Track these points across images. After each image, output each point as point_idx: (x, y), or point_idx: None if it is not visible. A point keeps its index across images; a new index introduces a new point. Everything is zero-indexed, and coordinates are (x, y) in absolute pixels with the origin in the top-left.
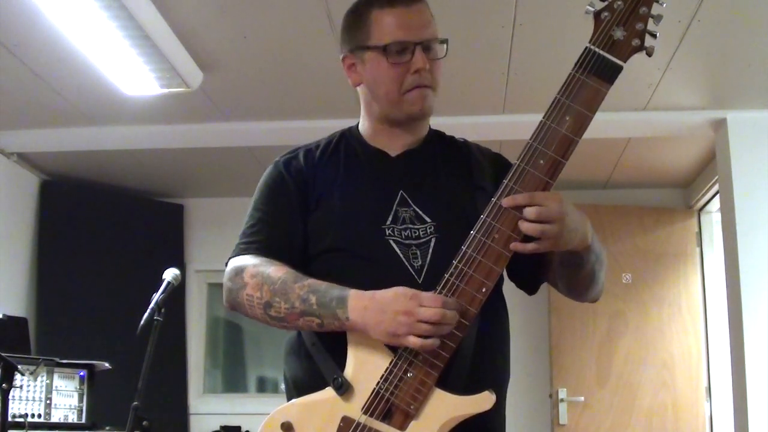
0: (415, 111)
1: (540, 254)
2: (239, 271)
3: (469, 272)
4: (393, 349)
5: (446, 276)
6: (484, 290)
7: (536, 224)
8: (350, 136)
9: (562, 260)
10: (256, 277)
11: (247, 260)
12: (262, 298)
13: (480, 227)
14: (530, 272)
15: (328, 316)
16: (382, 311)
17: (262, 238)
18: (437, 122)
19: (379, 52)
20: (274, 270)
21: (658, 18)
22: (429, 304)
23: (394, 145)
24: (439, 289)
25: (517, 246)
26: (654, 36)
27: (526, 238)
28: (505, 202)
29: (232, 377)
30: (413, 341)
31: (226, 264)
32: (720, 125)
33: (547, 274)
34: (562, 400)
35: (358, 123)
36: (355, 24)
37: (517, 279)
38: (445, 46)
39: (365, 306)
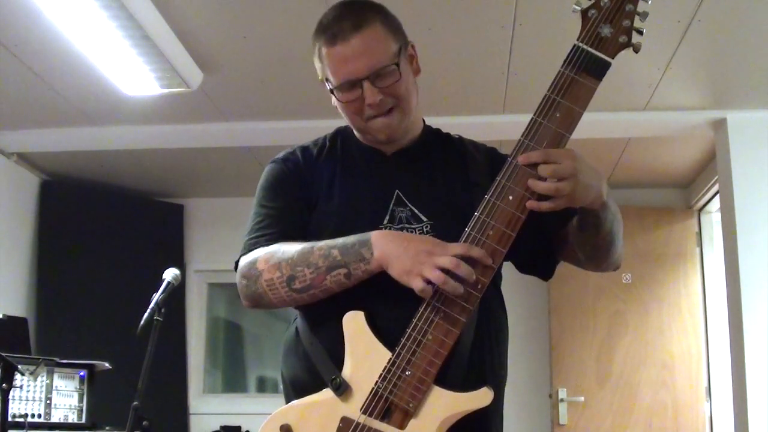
0: (381, 138)
1: (551, 233)
2: (251, 264)
3: None
4: (391, 347)
5: None
6: (479, 286)
7: (550, 183)
8: (346, 134)
9: (580, 223)
10: (271, 260)
11: (257, 252)
12: (283, 275)
13: (474, 224)
14: (543, 255)
15: (353, 262)
16: (407, 246)
17: (271, 231)
18: (437, 122)
19: (333, 92)
20: (287, 247)
21: (644, 15)
22: (455, 252)
23: (389, 145)
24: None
25: (532, 204)
26: (641, 33)
27: (538, 223)
28: (521, 159)
29: (232, 377)
30: (418, 283)
31: (236, 263)
32: (720, 125)
33: (563, 250)
34: (562, 400)
35: None
36: (316, 56)
37: (530, 266)
38: (395, 67)
39: (390, 239)
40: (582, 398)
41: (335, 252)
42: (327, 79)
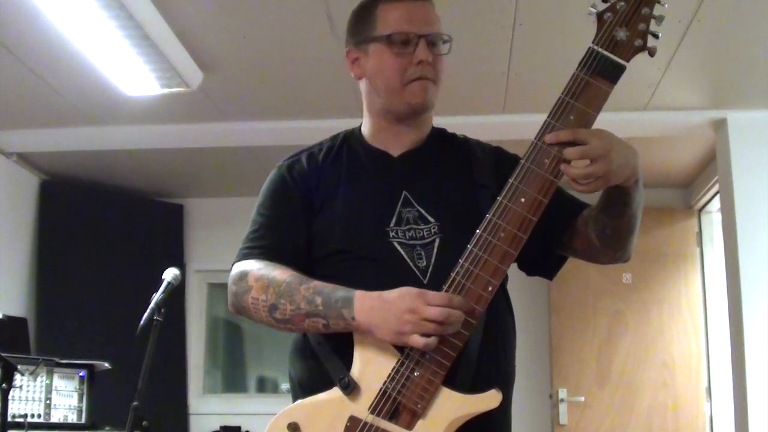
0: (416, 102)
1: (560, 230)
2: (243, 276)
3: (476, 271)
4: (400, 348)
5: (452, 275)
6: (490, 289)
7: (582, 169)
8: (352, 137)
9: (607, 203)
10: (261, 280)
11: (251, 264)
12: (267, 300)
13: (486, 226)
14: (546, 254)
15: (333, 317)
16: (388, 310)
17: (266, 243)
18: (437, 122)
19: (383, 42)
20: (279, 273)
21: (660, 19)
22: (435, 302)
23: (396, 144)
24: (445, 288)
25: (575, 188)
26: (656, 36)
27: (543, 223)
28: (548, 138)
29: (232, 377)
30: (417, 340)
31: (230, 269)
32: (720, 125)
33: (572, 243)
34: (562, 400)
35: (360, 125)
36: (362, 18)
37: (535, 266)
38: (448, 44)
39: (371, 306)
40: (582, 398)
41: (318, 300)
42: (370, 37)
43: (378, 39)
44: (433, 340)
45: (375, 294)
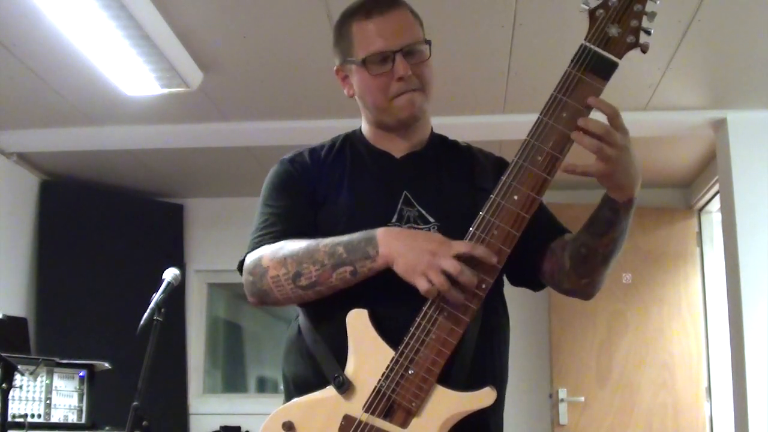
0: (404, 116)
1: (538, 245)
2: (257, 262)
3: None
4: (394, 346)
5: None
6: (484, 286)
7: (595, 140)
8: (354, 138)
9: (594, 218)
10: (276, 257)
11: (263, 250)
12: (289, 272)
13: (479, 224)
14: (532, 267)
15: (358, 260)
16: (412, 244)
17: (276, 230)
18: (437, 122)
19: (361, 65)
20: (293, 244)
21: (652, 15)
22: (459, 249)
23: (397, 148)
24: None
25: (569, 167)
26: (648, 33)
27: (532, 229)
28: (591, 101)
29: (232, 377)
30: (422, 283)
31: (240, 263)
32: (720, 125)
33: (543, 263)
34: (562, 400)
35: (361, 126)
36: (340, 37)
37: (520, 277)
38: (428, 46)
39: (396, 236)
40: (582, 398)
41: (340, 249)
42: (350, 60)
43: (356, 62)
44: (434, 288)
45: (400, 228)
